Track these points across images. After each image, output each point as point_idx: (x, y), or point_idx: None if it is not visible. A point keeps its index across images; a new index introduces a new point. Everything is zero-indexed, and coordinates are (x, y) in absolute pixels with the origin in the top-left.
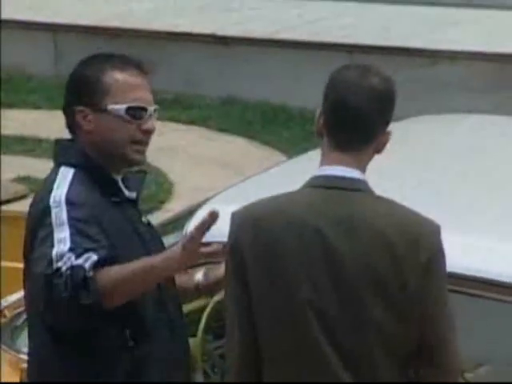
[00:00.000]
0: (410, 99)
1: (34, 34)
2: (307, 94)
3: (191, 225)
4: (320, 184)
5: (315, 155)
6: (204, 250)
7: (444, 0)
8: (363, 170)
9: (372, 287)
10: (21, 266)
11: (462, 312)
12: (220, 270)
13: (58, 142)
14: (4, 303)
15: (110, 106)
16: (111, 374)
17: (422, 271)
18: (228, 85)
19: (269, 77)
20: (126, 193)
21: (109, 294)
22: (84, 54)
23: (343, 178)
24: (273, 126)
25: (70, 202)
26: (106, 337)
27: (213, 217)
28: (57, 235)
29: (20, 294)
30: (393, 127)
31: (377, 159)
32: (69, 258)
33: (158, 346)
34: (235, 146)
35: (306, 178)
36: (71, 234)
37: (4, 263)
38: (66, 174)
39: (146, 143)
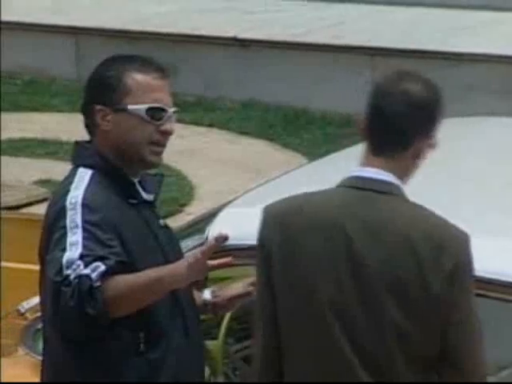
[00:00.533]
0: None
1: (56, 38)
2: (328, 96)
3: (212, 228)
4: (352, 184)
5: (336, 158)
6: (212, 263)
7: (464, 3)
8: (399, 174)
9: (394, 290)
10: (36, 267)
11: (485, 315)
12: (228, 291)
13: (77, 143)
14: (26, 306)
15: (130, 106)
16: (122, 378)
17: (446, 277)
18: (249, 87)
19: (290, 80)
20: (144, 195)
21: (115, 304)
22: (106, 57)
23: (375, 180)
24: (294, 129)
25: (85, 205)
26: (118, 340)
27: (219, 241)
28: (70, 238)
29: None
30: None
31: None
32: (78, 266)
33: (171, 351)
34: (256, 149)
35: (328, 180)
36: (83, 238)
37: (20, 265)
38: (84, 176)
39: (163, 145)
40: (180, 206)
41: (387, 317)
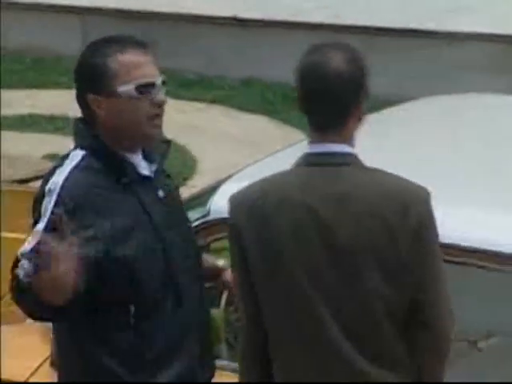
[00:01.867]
0: (424, 80)
1: (62, 17)
2: None
3: (214, 201)
4: (310, 162)
5: None
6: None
7: None
8: (350, 142)
9: (368, 257)
10: None
11: (474, 283)
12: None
13: (75, 122)
14: None
15: (119, 88)
16: (114, 349)
17: (412, 237)
18: (249, 65)
19: (288, 58)
20: (142, 169)
21: (44, 297)
22: (110, 35)
23: (331, 154)
24: (293, 105)
25: (61, 193)
26: (109, 313)
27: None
28: (37, 225)
29: None
30: (405, 107)
31: (392, 138)
32: (22, 265)
33: (162, 324)
34: (256, 125)
35: None
36: (45, 228)
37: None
38: (74, 158)
39: (160, 116)
40: (183, 179)
41: (367, 283)
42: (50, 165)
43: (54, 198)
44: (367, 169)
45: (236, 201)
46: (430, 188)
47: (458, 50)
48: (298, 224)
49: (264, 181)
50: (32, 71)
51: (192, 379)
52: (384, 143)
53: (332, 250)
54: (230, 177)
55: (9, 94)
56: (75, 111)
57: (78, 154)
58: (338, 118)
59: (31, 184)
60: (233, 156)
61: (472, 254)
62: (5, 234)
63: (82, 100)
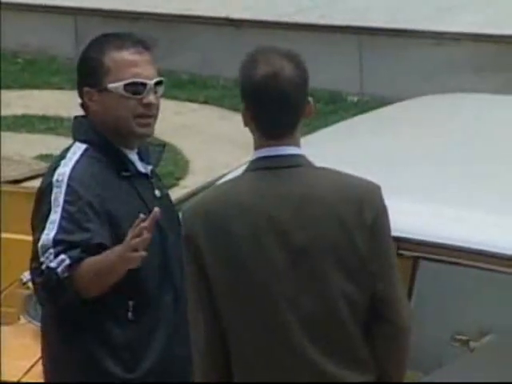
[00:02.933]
0: (417, 80)
1: (56, 18)
2: (317, 74)
3: None
4: (260, 166)
5: (324, 133)
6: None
7: None
8: (298, 144)
9: (327, 256)
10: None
11: (469, 282)
12: None
13: (75, 118)
14: (28, 276)
15: (110, 85)
16: (111, 345)
17: (368, 232)
18: None
19: None
20: (140, 167)
21: (85, 289)
22: None
23: (281, 157)
24: None
25: (70, 184)
26: (107, 308)
27: (155, 217)
28: (51, 216)
29: None
30: (399, 106)
31: (382, 138)
32: (48, 256)
33: (160, 314)
34: None
35: (318, 155)
36: (62, 218)
37: (22, 237)
38: (76, 151)
39: (149, 116)
40: (175, 179)
41: (329, 283)
42: (42, 165)
43: (64, 188)
44: (319, 168)
45: (190, 211)
46: (419, 187)
47: (449, 50)
48: (255, 229)
49: (217, 189)
50: (25, 72)
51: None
52: (375, 143)
53: (291, 252)
54: (221, 177)
55: (3, 95)
56: (68, 111)
57: (81, 147)
58: (291, 122)
59: (24, 184)
60: (225, 156)
61: (462, 253)
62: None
63: (79, 91)
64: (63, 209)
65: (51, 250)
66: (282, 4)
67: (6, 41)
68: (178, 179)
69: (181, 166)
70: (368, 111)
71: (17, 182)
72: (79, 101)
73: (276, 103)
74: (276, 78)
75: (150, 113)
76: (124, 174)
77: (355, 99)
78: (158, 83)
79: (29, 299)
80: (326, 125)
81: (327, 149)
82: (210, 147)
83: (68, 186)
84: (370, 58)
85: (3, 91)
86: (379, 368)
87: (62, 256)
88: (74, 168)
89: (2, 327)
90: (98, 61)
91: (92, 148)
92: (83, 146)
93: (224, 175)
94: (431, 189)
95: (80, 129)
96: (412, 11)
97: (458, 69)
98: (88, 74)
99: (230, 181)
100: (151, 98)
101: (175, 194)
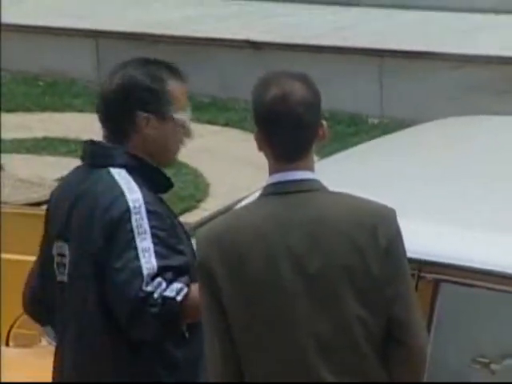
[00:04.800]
0: (438, 102)
1: (77, 41)
2: (338, 96)
3: None
4: (273, 191)
5: (345, 156)
6: None
7: (471, 6)
8: (311, 167)
9: (342, 281)
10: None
11: (490, 305)
12: None
13: (95, 143)
14: None
15: (176, 114)
16: (172, 363)
17: (383, 256)
18: None
19: None
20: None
21: (189, 319)
22: (125, 59)
23: (293, 182)
24: None
25: (148, 209)
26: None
27: None
28: (140, 244)
29: None
30: (420, 129)
31: (403, 160)
32: (159, 284)
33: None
34: None
35: (338, 177)
36: (154, 244)
37: None
38: (125, 177)
39: None
40: (196, 201)
41: (344, 307)
42: None
43: (145, 213)
44: (333, 193)
45: (204, 238)
46: (440, 209)
47: (470, 72)
48: (269, 255)
49: (231, 214)
50: (46, 95)
51: None
52: (395, 165)
53: (306, 277)
54: (241, 199)
55: (23, 118)
56: (89, 134)
57: (121, 172)
58: (304, 144)
59: (45, 206)
60: (246, 179)
61: (483, 276)
62: (14, 257)
63: (124, 117)
64: (152, 234)
65: (159, 279)
66: (303, 26)
67: (27, 63)
68: (199, 202)
69: (201, 189)
70: (389, 133)
71: (38, 204)
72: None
73: (287, 124)
74: (286, 99)
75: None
76: (160, 195)
77: (376, 121)
78: None
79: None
80: (347, 147)
81: (347, 171)
82: (231, 170)
83: (148, 211)
84: (391, 80)
85: (25, 114)
86: None
87: (178, 284)
88: (142, 193)
89: (22, 349)
90: (160, 88)
91: (130, 173)
92: (123, 171)
93: (240, 200)
94: (452, 211)
95: (113, 153)
96: (433, 34)
97: (480, 91)
98: (147, 100)
99: (244, 207)
100: (191, 128)
101: (196, 216)
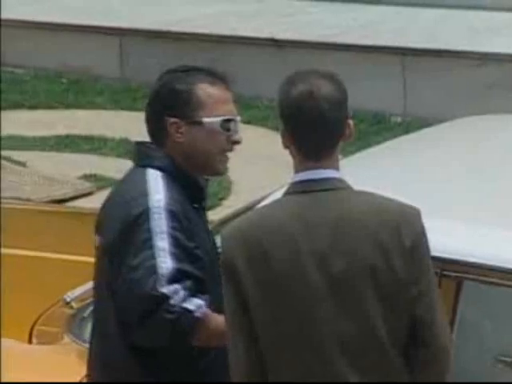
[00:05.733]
0: (460, 101)
1: (100, 38)
2: (360, 95)
3: None
4: (298, 190)
5: (368, 154)
6: None
7: (490, 5)
8: (337, 167)
9: (366, 280)
10: (81, 258)
11: (505, 301)
12: None
13: (140, 143)
14: (71, 295)
15: (205, 119)
16: (197, 371)
17: (407, 256)
18: None
19: None
20: (208, 200)
21: (200, 339)
22: (148, 57)
23: (319, 180)
24: None
25: (169, 211)
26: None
27: None
28: (157, 243)
29: (87, 285)
30: (442, 127)
31: (426, 159)
32: (176, 291)
33: (218, 359)
34: None
35: (361, 175)
36: (170, 245)
37: (65, 256)
38: (157, 178)
39: (230, 152)
40: (219, 199)
41: (368, 307)
42: (87, 185)
43: (165, 214)
44: (357, 192)
45: (229, 236)
46: (463, 207)
47: (492, 71)
48: (294, 253)
49: (256, 212)
50: (69, 92)
51: None
52: (418, 164)
53: (330, 276)
54: (264, 197)
55: (47, 115)
56: (112, 131)
57: (157, 174)
58: (329, 142)
59: (68, 204)
60: (268, 177)
61: (507, 274)
62: (36, 254)
63: (156, 122)
64: (170, 235)
65: (177, 286)
66: (326, 24)
67: (51, 61)
68: (222, 199)
69: (224, 187)
70: (411, 132)
71: (61, 201)
72: (128, 120)
73: (313, 121)
74: (312, 96)
75: (232, 150)
76: (194, 205)
77: (398, 120)
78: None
79: (72, 318)
80: (370, 145)
81: (370, 169)
82: (254, 167)
83: (168, 212)
84: (413, 79)
85: (48, 111)
86: None
87: (199, 301)
88: (166, 195)
89: (43, 347)
90: (191, 93)
91: (167, 176)
92: (159, 173)
93: (264, 197)
94: (475, 209)
95: (152, 155)
96: (453, 32)
97: (502, 89)
98: (176, 105)
99: (269, 205)
100: (239, 135)
101: (219, 214)
